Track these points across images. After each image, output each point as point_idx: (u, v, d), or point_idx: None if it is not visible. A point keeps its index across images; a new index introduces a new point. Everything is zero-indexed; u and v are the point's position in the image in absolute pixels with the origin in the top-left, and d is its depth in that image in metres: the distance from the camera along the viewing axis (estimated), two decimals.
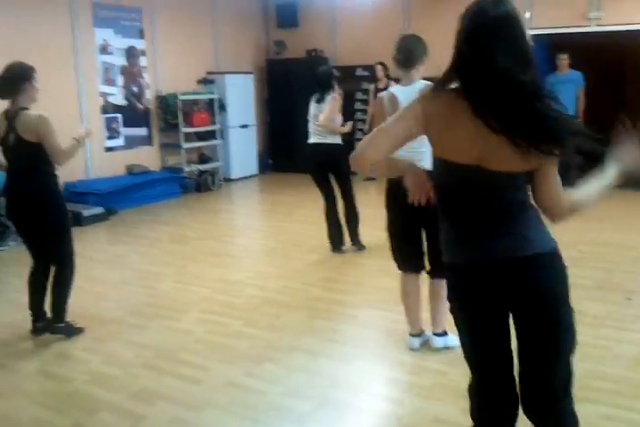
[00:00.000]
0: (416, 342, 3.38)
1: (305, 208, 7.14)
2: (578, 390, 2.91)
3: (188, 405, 2.87)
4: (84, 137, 3.55)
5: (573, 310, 1.80)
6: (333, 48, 9.81)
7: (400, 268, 3.35)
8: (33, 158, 3.42)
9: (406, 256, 3.30)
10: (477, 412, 2.00)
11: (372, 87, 8.63)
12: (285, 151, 9.84)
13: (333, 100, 5.03)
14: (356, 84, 9.33)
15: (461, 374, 3.02)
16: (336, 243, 5.24)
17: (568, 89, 8.21)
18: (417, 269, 3.32)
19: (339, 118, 5.08)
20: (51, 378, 3.18)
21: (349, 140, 6.10)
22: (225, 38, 9.40)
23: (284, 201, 7.73)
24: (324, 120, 4.94)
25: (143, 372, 3.20)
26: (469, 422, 2.64)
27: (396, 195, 3.20)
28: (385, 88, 8.44)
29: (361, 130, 8.77)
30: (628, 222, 6.20)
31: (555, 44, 8.65)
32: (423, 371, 3.17)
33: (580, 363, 3.19)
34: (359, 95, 9.40)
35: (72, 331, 3.65)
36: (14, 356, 3.42)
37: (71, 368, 3.27)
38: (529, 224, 1.77)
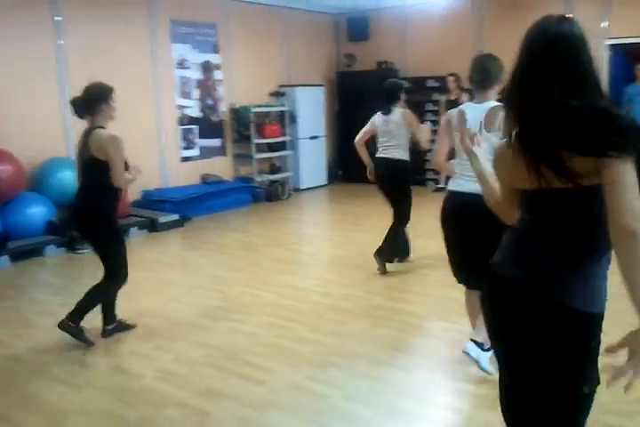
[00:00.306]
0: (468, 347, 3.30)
1: (372, 218, 7.16)
2: None
3: (251, 405, 2.94)
4: (134, 176, 3.68)
5: None
6: (404, 60, 9.84)
7: (459, 282, 3.32)
8: (100, 175, 3.53)
9: (462, 271, 3.25)
10: None
11: (442, 98, 8.59)
12: (354, 162, 9.84)
13: (410, 116, 4.90)
14: (426, 96, 9.32)
15: None
16: (401, 254, 5.22)
17: None
18: (476, 285, 3.24)
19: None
20: (123, 374, 3.33)
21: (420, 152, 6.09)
22: (297, 52, 9.61)
23: (352, 211, 7.79)
24: (426, 143, 4.83)
25: (210, 371, 3.30)
26: None
27: (449, 210, 3.19)
28: (456, 99, 8.42)
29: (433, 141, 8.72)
30: None
31: (633, 53, 8.35)
32: (486, 382, 3.12)
33: None
34: (429, 106, 9.37)
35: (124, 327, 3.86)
36: (91, 352, 3.60)
37: (142, 365, 3.42)
38: None
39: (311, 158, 9.44)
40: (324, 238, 6.70)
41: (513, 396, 1.78)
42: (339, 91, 10.26)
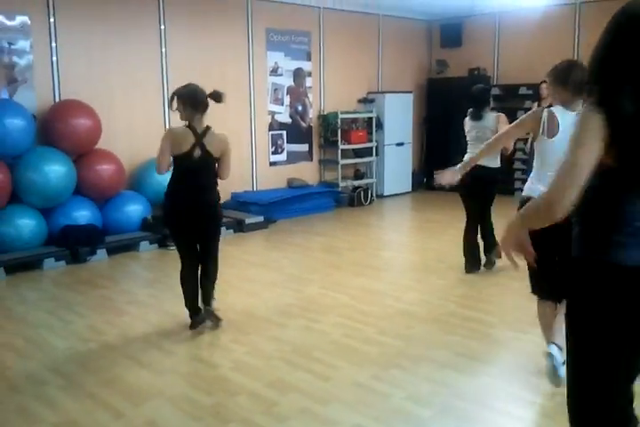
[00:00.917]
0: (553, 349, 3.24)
1: (454, 228, 7.09)
2: None
3: (315, 398, 3.08)
4: None
5: None
6: (496, 67, 9.72)
7: (533, 292, 3.30)
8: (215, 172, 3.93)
9: (537, 281, 3.23)
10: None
11: (535, 106, 8.42)
12: (440, 170, 9.83)
13: (504, 119, 4.96)
14: (518, 103, 9.15)
15: None
16: (471, 264, 5.21)
17: None
18: (549, 296, 3.21)
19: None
20: (200, 362, 3.58)
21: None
22: (388, 59, 9.72)
23: (433, 219, 7.79)
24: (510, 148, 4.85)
25: (280, 364, 3.48)
26: None
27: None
28: (550, 105, 8.19)
29: (522, 150, 8.56)
30: None
31: None
32: (551, 393, 3.10)
33: None
34: (521, 114, 9.16)
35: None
36: (172, 341, 3.88)
37: (219, 355, 3.65)
38: None
39: (396, 165, 9.49)
40: (404, 244, 6.76)
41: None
42: (428, 97, 10.26)
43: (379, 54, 9.61)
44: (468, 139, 5.14)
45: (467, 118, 5.16)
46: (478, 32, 9.83)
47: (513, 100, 9.03)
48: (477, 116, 5.04)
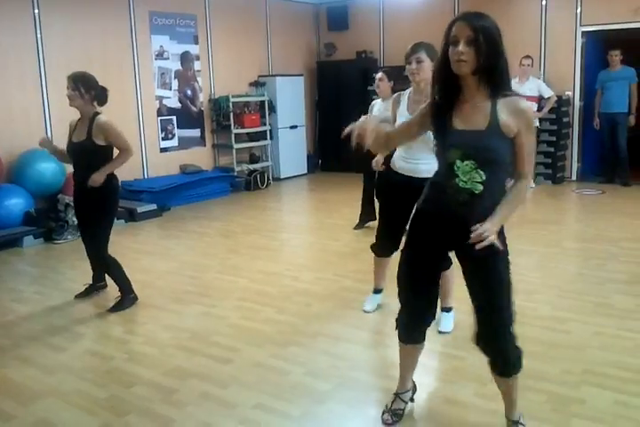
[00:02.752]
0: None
1: (349, 206, 7.27)
2: (597, 377, 2.97)
3: (216, 382, 3.05)
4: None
5: None
6: (383, 49, 9.92)
7: (371, 248, 3.83)
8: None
9: (383, 239, 3.70)
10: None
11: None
12: (334, 151, 10.02)
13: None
14: (406, 84, 9.38)
15: (478, 360, 3.11)
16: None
17: (620, 86, 8.00)
18: (385, 252, 3.74)
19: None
20: (93, 356, 3.44)
21: None
22: (278, 42, 9.67)
23: (329, 199, 7.91)
24: None
25: (178, 352, 3.42)
26: (479, 402, 2.76)
27: (386, 182, 3.60)
28: None
29: None
30: None
31: (607, 40, 8.46)
32: (443, 356, 3.26)
33: (601, 352, 3.25)
34: None
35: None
36: (63, 337, 3.69)
37: (113, 348, 3.53)
38: None
39: (291, 148, 9.53)
40: (300, 225, 6.83)
41: None
42: (319, 80, 10.33)
43: (267, 37, 9.53)
44: None
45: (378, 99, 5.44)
46: (364, 15, 9.98)
47: (400, 81, 9.25)
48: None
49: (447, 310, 3.60)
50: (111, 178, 3.97)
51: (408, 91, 3.45)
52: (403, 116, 3.33)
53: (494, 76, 2.08)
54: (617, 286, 4.22)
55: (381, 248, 3.75)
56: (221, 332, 3.68)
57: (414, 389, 2.78)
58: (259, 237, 5.99)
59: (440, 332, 3.49)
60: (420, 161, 3.25)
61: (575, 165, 8.70)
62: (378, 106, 5.38)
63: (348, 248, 5.42)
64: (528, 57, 7.85)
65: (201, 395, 2.94)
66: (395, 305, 3.88)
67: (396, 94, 3.53)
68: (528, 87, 7.62)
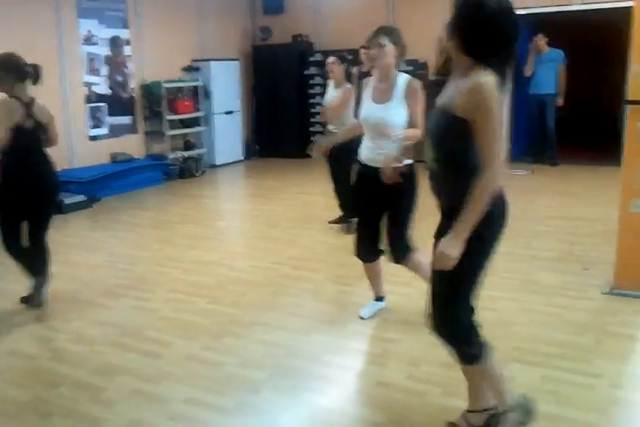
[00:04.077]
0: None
1: (287, 192, 7.25)
2: (523, 353, 3.05)
3: (147, 378, 2.97)
4: None
5: None
6: (319, 33, 9.83)
7: (357, 256, 3.50)
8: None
9: (362, 240, 3.42)
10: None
11: (354, 70, 8.65)
12: (272, 137, 9.93)
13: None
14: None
15: (411, 342, 3.15)
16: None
17: (549, 68, 8.21)
18: (368, 256, 3.47)
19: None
20: (15, 357, 3.28)
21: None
22: (210, 26, 9.43)
23: (267, 186, 7.83)
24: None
25: (107, 349, 3.31)
26: (411, 385, 2.78)
27: (362, 176, 3.37)
28: (368, 71, 8.52)
29: None
30: (596, 197, 6.28)
31: (537, 23, 8.63)
32: (377, 340, 3.28)
33: (528, 329, 3.33)
34: None
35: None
36: None
37: (37, 347, 3.39)
38: None
39: (227, 134, 9.36)
40: (237, 213, 6.74)
41: None
42: (254, 65, 10.16)
43: (200, 21, 9.28)
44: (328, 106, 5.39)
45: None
46: None
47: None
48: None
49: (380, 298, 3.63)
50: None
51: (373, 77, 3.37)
52: (367, 100, 3.29)
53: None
54: (543, 263, 4.36)
55: (363, 252, 3.44)
56: (153, 325, 3.58)
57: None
58: (194, 227, 5.87)
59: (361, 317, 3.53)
60: (385, 151, 3.13)
61: (506, 147, 8.89)
62: (331, 92, 5.36)
63: (286, 235, 5.38)
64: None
65: (131, 392, 2.86)
66: (329, 292, 3.93)
67: (366, 79, 3.45)
68: None
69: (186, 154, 8.65)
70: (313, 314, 3.67)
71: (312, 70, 9.52)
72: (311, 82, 9.54)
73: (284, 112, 9.76)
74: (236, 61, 9.59)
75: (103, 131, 7.95)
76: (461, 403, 2.58)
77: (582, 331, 3.27)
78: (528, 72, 8.33)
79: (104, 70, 7.93)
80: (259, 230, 5.65)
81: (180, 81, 8.72)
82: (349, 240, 3.73)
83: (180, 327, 3.53)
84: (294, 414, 2.69)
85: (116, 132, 8.11)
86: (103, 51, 7.89)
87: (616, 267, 3.74)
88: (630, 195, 3.62)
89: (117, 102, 8.12)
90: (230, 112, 9.42)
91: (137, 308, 3.87)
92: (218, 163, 9.24)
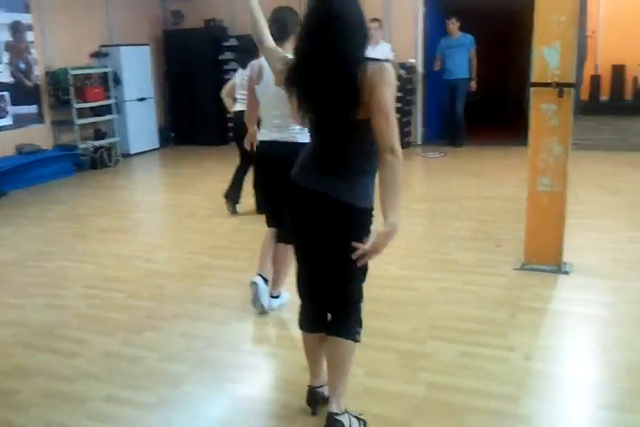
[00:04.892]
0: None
1: (205, 180, 7.12)
2: (442, 330, 3.14)
3: (63, 378, 2.86)
4: None
5: None
6: (233, 17, 9.64)
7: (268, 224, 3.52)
8: None
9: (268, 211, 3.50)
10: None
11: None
12: (187, 124, 9.71)
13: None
14: (253, 53, 9.24)
15: None
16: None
17: (460, 52, 8.37)
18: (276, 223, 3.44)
19: None
20: None
21: None
22: (119, 10, 9.04)
23: (184, 174, 7.67)
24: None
25: (18, 350, 3.15)
26: None
27: (260, 157, 3.38)
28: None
29: None
30: (506, 176, 6.54)
31: (447, 8, 8.83)
32: (296, 325, 3.27)
33: (445, 306, 3.44)
34: None
35: None
36: None
37: None
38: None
39: (140, 121, 9.05)
40: (153, 203, 6.56)
41: (312, 274, 2.32)
42: (166, 50, 9.87)
43: (108, 4, 8.88)
44: (236, 87, 5.34)
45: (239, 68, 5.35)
46: None
47: (249, 49, 9.08)
48: (245, 66, 5.19)
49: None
50: None
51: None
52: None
53: None
54: (459, 242, 4.50)
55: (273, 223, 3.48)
56: (68, 323, 3.44)
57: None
58: (108, 219, 5.66)
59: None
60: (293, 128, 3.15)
61: (420, 130, 9.11)
62: (240, 73, 5.32)
63: (204, 224, 5.29)
64: (375, 19, 7.64)
65: (46, 393, 2.74)
66: (249, 280, 3.88)
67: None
68: (380, 52, 7.46)
69: (97, 143, 8.30)
70: (234, 303, 3.63)
71: (227, 55, 9.35)
72: (226, 67, 9.37)
73: (198, 98, 9.55)
74: (147, 46, 9.28)
75: (7, 121, 7.50)
76: (382, 382, 2.65)
77: (497, 306, 3.41)
78: (436, 67, 8.53)
79: (5, 57, 7.46)
80: (176, 221, 5.53)
81: (88, 67, 8.34)
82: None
83: (96, 324, 3.41)
84: (217, 405, 2.66)
85: (20, 122, 7.66)
86: (3, 36, 7.42)
87: (525, 243, 3.91)
88: (537, 174, 3.78)
89: (21, 91, 7.67)
90: (143, 99, 9.11)
91: (50, 306, 3.70)
92: (132, 152, 8.93)
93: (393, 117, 1.99)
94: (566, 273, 3.80)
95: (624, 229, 4.75)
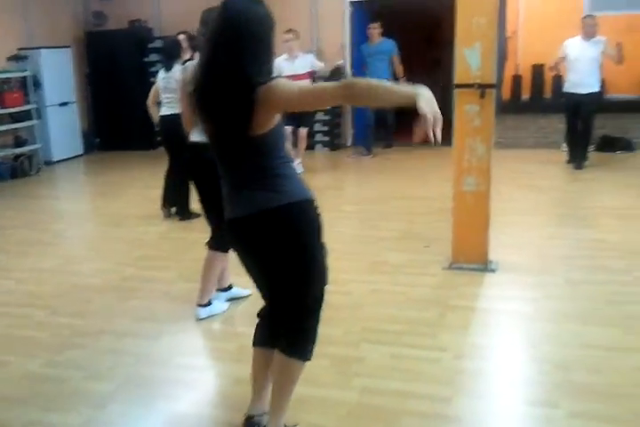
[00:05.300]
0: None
1: (134, 187, 6.93)
2: (374, 333, 3.14)
3: None
4: None
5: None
6: (158, 18, 9.42)
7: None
8: None
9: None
10: None
11: (196, 56, 8.42)
12: (113, 128, 9.42)
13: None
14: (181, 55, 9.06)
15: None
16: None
17: (380, 60, 8.07)
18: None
19: None
20: None
21: None
22: (38, 11, 8.67)
23: (109, 181, 7.42)
24: None
25: None
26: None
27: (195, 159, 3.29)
28: (191, 58, 8.28)
29: None
30: (433, 176, 6.65)
31: (372, 11, 8.86)
32: (230, 336, 3.22)
33: (377, 309, 3.46)
34: None
35: None
36: None
37: None
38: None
39: (63, 127, 8.71)
40: (77, 213, 6.31)
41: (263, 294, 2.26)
42: (89, 52, 9.56)
43: (25, 6, 8.49)
44: (160, 90, 5.27)
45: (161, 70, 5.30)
46: None
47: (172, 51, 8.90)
48: (167, 67, 5.19)
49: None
50: None
51: None
52: None
53: None
54: (389, 243, 4.54)
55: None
56: None
57: None
58: (29, 231, 5.40)
59: None
60: None
61: (350, 132, 9.17)
62: (162, 74, 5.24)
63: (132, 234, 5.12)
64: (290, 30, 7.11)
65: None
66: (179, 291, 3.78)
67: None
68: (300, 65, 7.06)
69: (17, 151, 7.94)
70: (163, 316, 3.52)
71: (153, 57, 9.13)
72: (152, 69, 9.13)
73: (124, 102, 9.27)
74: (68, 49, 8.95)
75: None
76: (317, 390, 2.62)
77: (426, 306, 3.45)
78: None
79: None
80: (102, 231, 5.34)
81: (5, 71, 7.98)
82: (200, 235, 3.61)
83: (14, 345, 3.23)
84: (147, 424, 2.57)
85: None
86: None
87: (453, 243, 3.98)
88: (461, 173, 3.85)
89: None
90: (65, 103, 8.78)
91: None
92: (55, 159, 8.58)
93: (303, 88, 1.93)
94: (492, 271, 3.89)
95: (547, 225, 4.92)
